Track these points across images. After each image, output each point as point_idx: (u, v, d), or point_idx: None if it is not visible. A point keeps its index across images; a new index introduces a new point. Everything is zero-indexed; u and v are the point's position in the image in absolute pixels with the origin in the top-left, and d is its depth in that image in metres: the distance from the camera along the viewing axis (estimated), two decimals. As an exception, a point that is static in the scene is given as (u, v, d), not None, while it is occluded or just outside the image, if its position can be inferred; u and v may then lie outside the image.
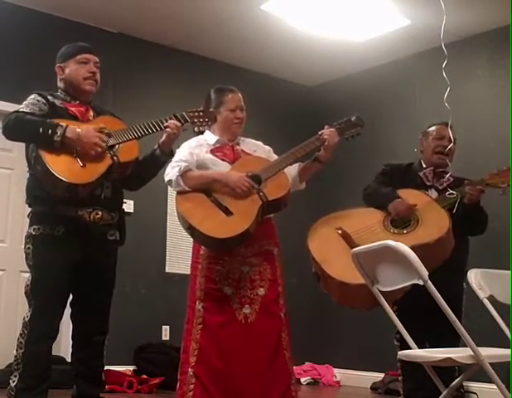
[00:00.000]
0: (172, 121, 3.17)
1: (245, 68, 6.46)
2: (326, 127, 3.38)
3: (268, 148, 3.50)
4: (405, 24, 5.55)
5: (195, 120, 3.27)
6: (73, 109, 3.15)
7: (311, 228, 3.41)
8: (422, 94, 5.90)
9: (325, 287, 3.27)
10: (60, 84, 3.24)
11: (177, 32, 5.87)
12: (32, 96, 3.11)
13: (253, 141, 3.51)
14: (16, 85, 4.88)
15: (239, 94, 3.42)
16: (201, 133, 3.42)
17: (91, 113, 3.20)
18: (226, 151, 3.36)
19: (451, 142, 3.67)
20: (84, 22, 5.62)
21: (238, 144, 3.43)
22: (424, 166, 3.69)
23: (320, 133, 3.36)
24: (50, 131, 2.91)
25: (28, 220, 3.15)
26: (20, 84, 4.83)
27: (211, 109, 3.37)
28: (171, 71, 6.17)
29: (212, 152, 3.35)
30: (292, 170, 3.39)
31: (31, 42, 5.34)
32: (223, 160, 3.33)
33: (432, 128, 3.75)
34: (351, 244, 3.19)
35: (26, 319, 3.02)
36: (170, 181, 3.26)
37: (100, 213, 3.08)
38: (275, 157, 3.40)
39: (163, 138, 3.22)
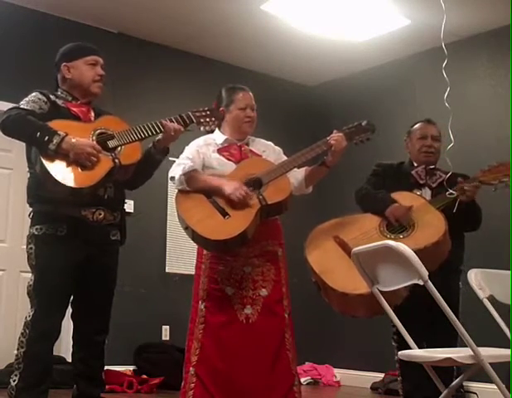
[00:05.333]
0: (171, 123, 3.15)
1: (245, 68, 6.46)
2: (334, 131, 3.35)
3: (278, 148, 3.49)
4: (405, 24, 5.56)
5: (202, 120, 3.25)
6: (75, 109, 3.12)
7: (308, 238, 3.39)
8: (422, 94, 5.90)
9: (325, 297, 3.26)
10: (64, 84, 3.19)
11: (177, 32, 5.87)
12: (34, 94, 3.08)
13: (264, 141, 3.50)
14: (15, 85, 4.87)
15: (250, 94, 3.42)
16: (212, 131, 3.42)
17: (92, 113, 3.18)
18: (233, 151, 3.36)
19: (434, 139, 3.66)
20: (84, 22, 5.62)
21: (247, 144, 3.42)
22: (415, 164, 3.68)
23: (328, 137, 3.33)
24: (46, 138, 2.87)
25: (29, 219, 3.13)
26: (20, 84, 4.83)
27: (222, 108, 3.38)
28: (171, 71, 6.17)
29: (219, 151, 3.35)
30: (298, 174, 3.39)
31: (30, 42, 5.34)
32: (229, 160, 3.33)
33: (415, 126, 3.73)
34: (349, 252, 3.16)
35: (28, 319, 3.01)
36: (173, 178, 3.26)
37: (103, 213, 3.07)
38: (284, 158, 3.39)
39: (160, 137, 3.21)
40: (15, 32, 5.28)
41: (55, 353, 4.51)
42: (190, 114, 3.24)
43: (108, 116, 3.22)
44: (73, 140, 2.92)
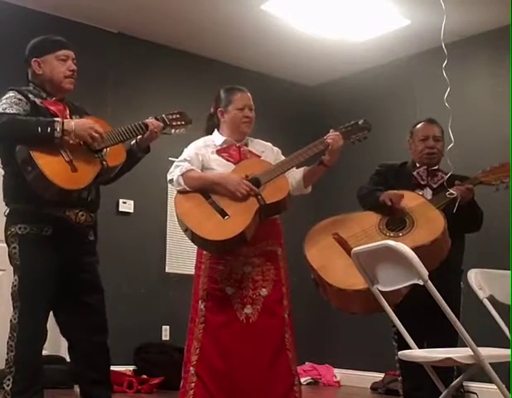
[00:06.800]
0: (155, 122, 3.19)
1: (245, 68, 6.46)
2: (331, 130, 3.36)
3: (276, 149, 3.50)
4: (405, 24, 5.56)
5: (174, 123, 3.28)
6: (52, 107, 3.06)
7: (307, 235, 3.39)
8: (422, 94, 5.90)
9: (323, 293, 3.27)
10: (36, 80, 3.12)
11: (177, 32, 5.87)
12: (12, 94, 3.00)
13: (262, 142, 3.51)
14: (15, 85, 4.87)
15: (248, 94, 3.43)
16: (210, 133, 3.44)
17: (67, 111, 3.12)
18: (232, 152, 3.37)
19: (436, 140, 3.65)
20: (84, 22, 5.63)
21: (246, 145, 3.43)
22: (417, 165, 3.68)
23: (324, 136, 3.33)
24: (49, 129, 2.85)
25: (6, 218, 3.05)
26: (20, 84, 4.83)
27: (220, 109, 3.40)
28: (171, 71, 6.17)
29: (218, 152, 3.36)
30: (296, 174, 3.39)
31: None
32: (228, 161, 3.33)
33: (417, 127, 3.72)
34: (347, 249, 3.17)
35: (14, 322, 2.95)
36: (171, 180, 3.28)
37: (85, 215, 3.05)
38: (283, 158, 3.39)
39: (145, 135, 3.20)
40: (15, 32, 5.27)
41: (54, 353, 4.53)
42: (164, 116, 3.27)
43: (91, 117, 3.15)
44: (72, 123, 2.93)
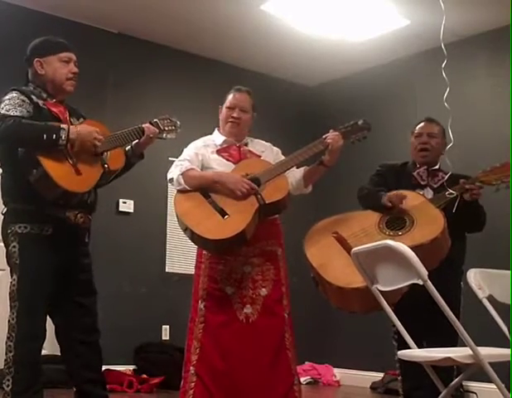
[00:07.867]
0: (152, 127, 3.22)
1: (245, 68, 6.46)
2: (330, 130, 3.36)
3: (276, 149, 3.51)
4: (405, 24, 5.56)
5: (166, 128, 3.31)
6: (54, 109, 3.06)
7: (307, 233, 3.39)
8: (422, 94, 5.91)
9: (323, 292, 3.27)
10: (36, 80, 3.12)
11: (177, 32, 5.88)
12: (15, 95, 2.99)
13: (262, 142, 3.51)
14: (15, 86, 4.87)
15: (246, 96, 3.42)
16: (213, 133, 3.44)
17: (67, 113, 3.12)
18: (232, 151, 3.38)
19: (431, 136, 3.64)
20: (84, 22, 5.63)
21: (246, 145, 3.44)
22: (418, 165, 3.68)
23: (324, 136, 3.35)
24: (54, 136, 2.85)
25: (4, 217, 3.05)
26: (19, 84, 4.83)
27: (220, 106, 3.42)
28: (171, 71, 6.17)
29: (218, 152, 3.37)
30: (296, 173, 3.39)
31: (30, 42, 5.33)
32: (228, 160, 3.34)
33: (416, 126, 3.75)
34: (347, 248, 3.18)
35: (13, 322, 2.94)
36: (171, 179, 3.29)
37: (83, 216, 3.06)
38: (283, 158, 3.40)
39: (141, 140, 3.22)
40: (15, 32, 5.27)
41: (53, 353, 4.52)
42: (157, 121, 3.29)
43: (90, 120, 3.17)
44: (78, 128, 2.94)
